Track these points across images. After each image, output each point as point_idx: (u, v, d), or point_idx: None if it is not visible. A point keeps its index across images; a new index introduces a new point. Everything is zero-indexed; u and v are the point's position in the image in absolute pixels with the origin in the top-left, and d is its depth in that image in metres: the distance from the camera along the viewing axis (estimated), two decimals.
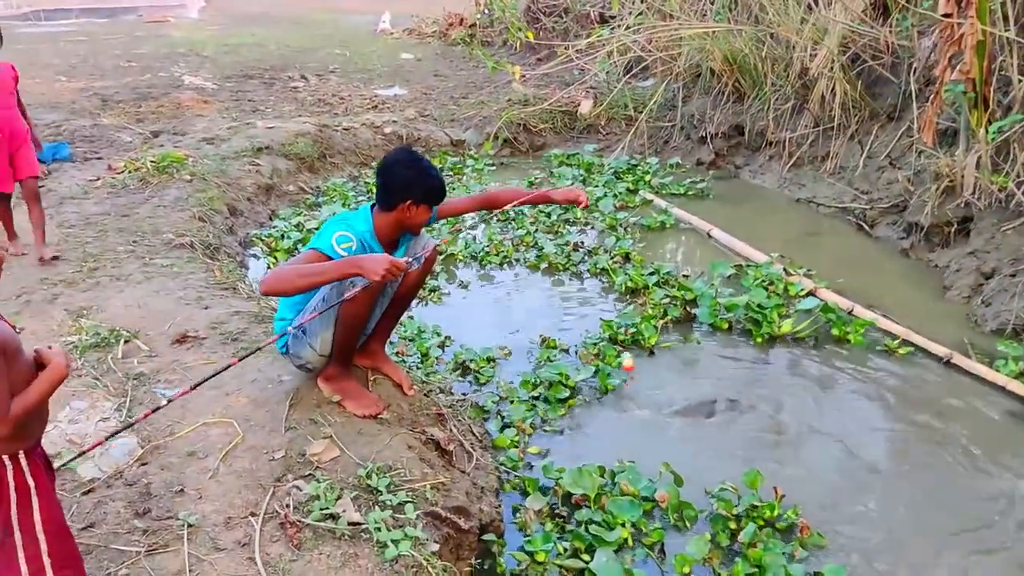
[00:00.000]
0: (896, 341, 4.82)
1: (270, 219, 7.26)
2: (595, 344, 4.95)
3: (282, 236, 6.62)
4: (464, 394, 4.29)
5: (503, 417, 4.11)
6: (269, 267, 6.23)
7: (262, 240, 6.58)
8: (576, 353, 4.90)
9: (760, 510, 3.32)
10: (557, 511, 3.41)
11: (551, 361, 4.72)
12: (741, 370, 4.69)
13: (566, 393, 4.35)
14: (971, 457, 3.84)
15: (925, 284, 5.81)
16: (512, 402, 4.25)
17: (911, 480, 3.72)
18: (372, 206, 3.38)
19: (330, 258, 3.13)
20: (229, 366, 2.86)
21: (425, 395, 3.84)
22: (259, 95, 11.48)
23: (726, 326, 5.13)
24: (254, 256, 6.43)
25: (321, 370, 3.46)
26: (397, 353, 4.65)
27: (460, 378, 4.54)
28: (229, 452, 3.10)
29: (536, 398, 4.35)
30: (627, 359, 4.62)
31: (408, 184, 3.23)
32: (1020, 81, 5.84)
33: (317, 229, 3.33)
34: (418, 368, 4.55)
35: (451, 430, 3.69)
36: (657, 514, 3.39)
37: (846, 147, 7.79)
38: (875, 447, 3.96)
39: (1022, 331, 4.88)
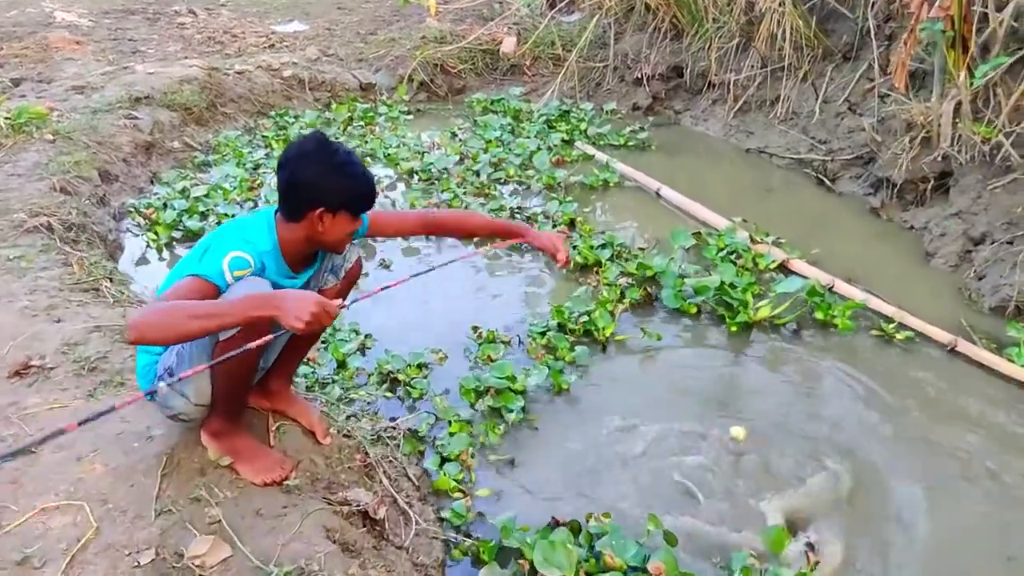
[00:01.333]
0: (892, 325, 4.17)
1: (151, 183, 6.20)
2: (543, 334, 4.19)
3: (164, 206, 5.60)
4: (394, 419, 3.46)
5: (441, 449, 3.30)
6: (149, 244, 5.23)
7: (140, 212, 5.54)
8: (523, 346, 4.13)
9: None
10: None
11: (492, 361, 3.94)
12: (715, 367, 3.98)
13: (518, 403, 3.58)
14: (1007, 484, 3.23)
15: (903, 249, 5.19)
16: (451, 423, 3.44)
17: (953, 521, 3.07)
18: (276, 211, 2.50)
19: (219, 288, 2.25)
20: (62, 431, 1.97)
21: (346, 436, 3.01)
22: (141, 33, 10.17)
23: (694, 311, 4.40)
24: (130, 232, 5.41)
25: (203, 421, 2.60)
26: (308, 361, 3.79)
27: (388, 394, 3.70)
28: (76, 555, 2.24)
29: (481, 413, 3.57)
30: (737, 431, 3.46)
31: (319, 185, 2.35)
32: (1000, 20, 5.19)
33: (201, 241, 2.42)
34: (334, 382, 3.70)
35: (381, 483, 2.88)
36: None
37: (798, 90, 7.10)
38: (893, 468, 3.29)
39: None
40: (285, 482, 2.57)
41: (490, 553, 2.73)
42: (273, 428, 2.79)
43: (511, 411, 3.55)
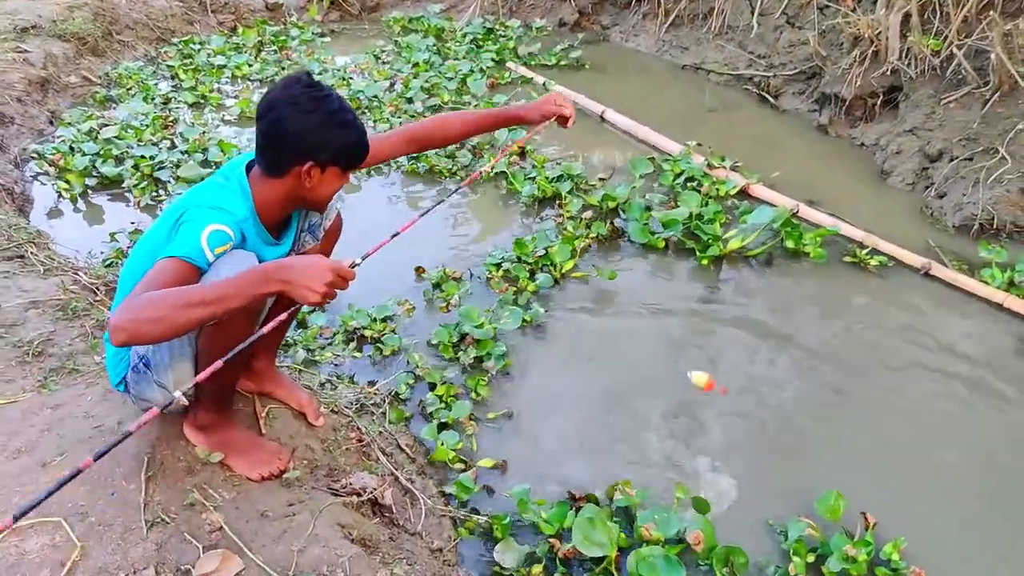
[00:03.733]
0: (864, 251, 4.10)
1: (51, 124, 5.63)
2: (498, 265, 4.01)
3: (72, 150, 5.07)
4: (373, 383, 3.22)
5: (436, 415, 3.08)
6: (61, 194, 4.74)
7: (45, 158, 5.01)
8: (480, 280, 3.96)
9: (850, 551, 2.46)
10: (552, 572, 2.47)
11: (454, 306, 3.73)
12: (691, 305, 3.84)
13: (499, 349, 3.40)
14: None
15: (858, 168, 5.13)
16: (435, 385, 3.22)
17: (943, 447, 3.04)
18: (248, 165, 2.17)
19: (200, 270, 1.94)
20: (79, 471, 1.68)
21: (334, 412, 2.76)
22: None
23: (662, 245, 4.24)
24: (38, 181, 4.89)
25: (187, 413, 2.32)
26: None
27: (356, 353, 3.44)
28: None
29: (463, 366, 3.37)
30: (699, 377, 3.02)
31: (308, 138, 2.03)
32: None
33: (166, 212, 2.08)
34: (297, 343, 3.42)
35: (379, 461, 2.65)
36: (689, 566, 2.48)
37: (732, 3, 6.90)
38: (879, 400, 3.24)
39: (991, 227, 4.28)
40: (284, 475, 2.32)
41: (504, 529, 2.55)
42: (263, 414, 2.51)
43: (492, 356, 3.38)
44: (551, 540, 2.50)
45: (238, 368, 2.28)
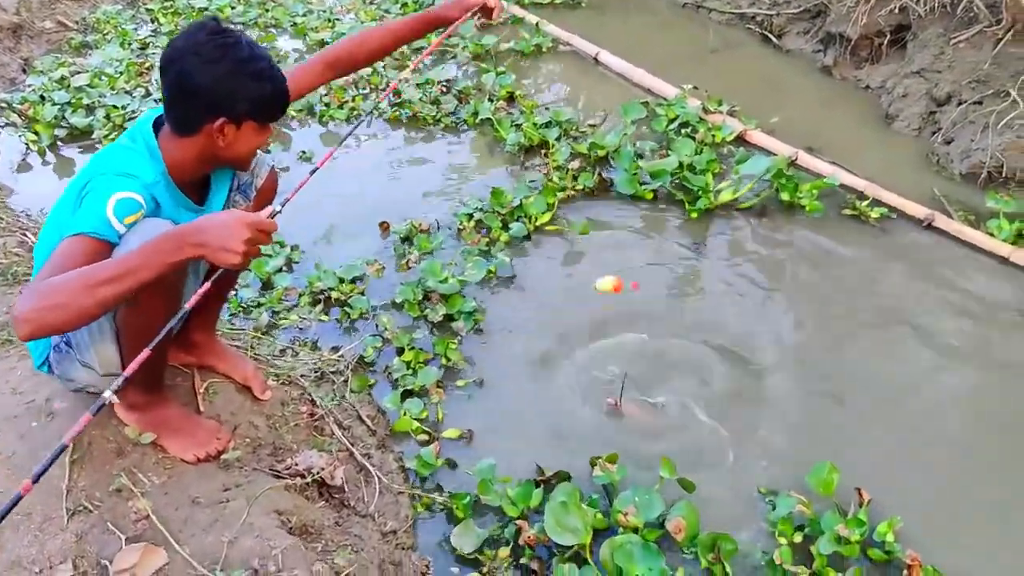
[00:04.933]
0: (865, 203, 3.88)
1: (23, 72, 5.42)
2: (470, 216, 3.84)
3: (42, 99, 4.88)
4: (336, 349, 3.06)
5: (402, 382, 2.92)
6: (29, 147, 4.56)
7: (13, 108, 4.81)
8: (450, 232, 3.79)
9: (842, 531, 2.29)
10: (519, 556, 2.33)
11: (430, 254, 3.59)
12: (677, 261, 3.65)
13: (468, 305, 3.25)
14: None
15: (862, 112, 4.87)
16: (403, 350, 3.06)
17: (942, 401, 2.88)
18: (156, 122, 1.97)
19: (111, 245, 1.76)
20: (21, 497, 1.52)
21: (287, 383, 2.60)
22: None
23: (650, 196, 4.03)
24: (5, 132, 4.71)
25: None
26: None
27: (323, 316, 3.28)
28: None
29: (430, 325, 3.21)
30: (604, 283, 2.99)
31: (217, 90, 1.83)
32: None
33: (71, 184, 1.90)
34: (260, 306, 3.26)
35: (333, 435, 2.51)
36: (670, 551, 2.32)
37: None
38: (896, 371, 3.05)
39: (999, 175, 4.04)
40: (222, 456, 2.17)
41: (465, 510, 2.41)
42: (201, 390, 2.35)
43: (462, 314, 3.24)
44: (518, 523, 2.34)
45: (165, 346, 2.12)
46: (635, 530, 2.29)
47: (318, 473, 2.24)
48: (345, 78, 3.68)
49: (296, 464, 2.25)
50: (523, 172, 4.27)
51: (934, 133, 4.43)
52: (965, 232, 3.66)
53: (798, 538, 2.33)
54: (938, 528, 2.41)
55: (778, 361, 3.07)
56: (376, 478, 2.43)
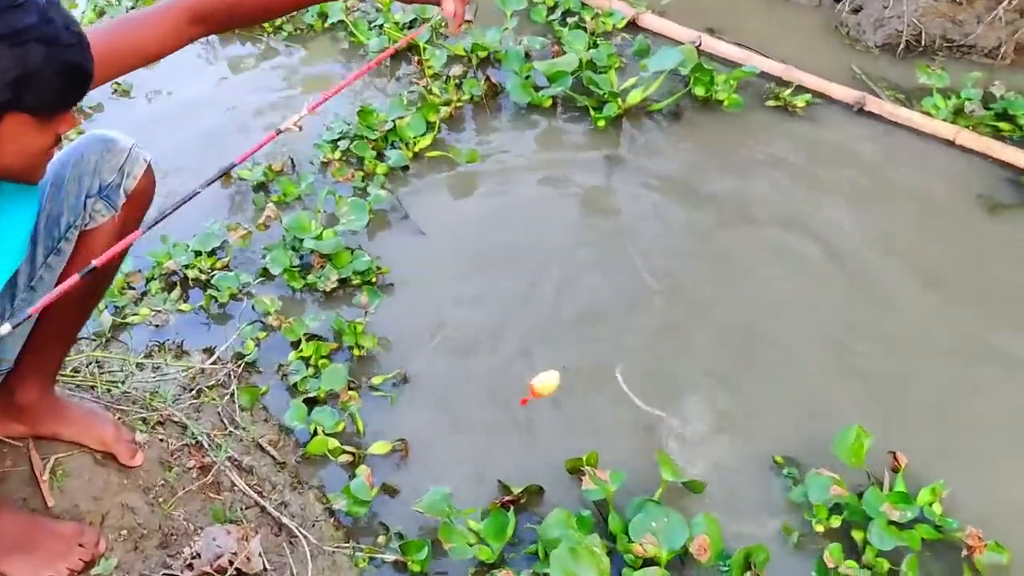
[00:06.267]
0: (787, 91, 3.45)
1: None
2: (334, 145, 3.22)
3: None
4: (210, 350, 2.41)
5: (302, 387, 2.32)
6: None
7: None
8: (319, 168, 3.18)
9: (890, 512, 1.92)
10: None
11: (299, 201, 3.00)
12: (588, 177, 3.14)
13: (363, 259, 2.68)
14: None
15: None
16: (299, 344, 2.44)
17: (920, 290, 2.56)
18: None
19: None
20: None
21: (159, 424, 1.97)
22: None
23: (549, 103, 3.46)
24: None
25: None
26: None
27: (182, 306, 2.59)
28: None
29: (318, 293, 2.63)
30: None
31: None
32: None
33: None
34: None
35: (235, 487, 1.92)
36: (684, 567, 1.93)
37: None
38: (851, 281, 2.70)
39: (918, 44, 3.69)
40: (92, 570, 1.56)
41: (423, 565, 1.89)
42: (43, 475, 1.69)
43: (358, 275, 2.67)
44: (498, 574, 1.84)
45: None
46: (649, 561, 1.84)
47: (230, 557, 1.67)
48: None
49: (197, 554, 1.66)
50: (394, 84, 3.60)
51: (838, 1, 4.02)
52: (901, 115, 3.31)
53: (835, 522, 1.97)
54: (984, 488, 2.09)
55: (717, 291, 2.67)
56: (302, 537, 1.87)
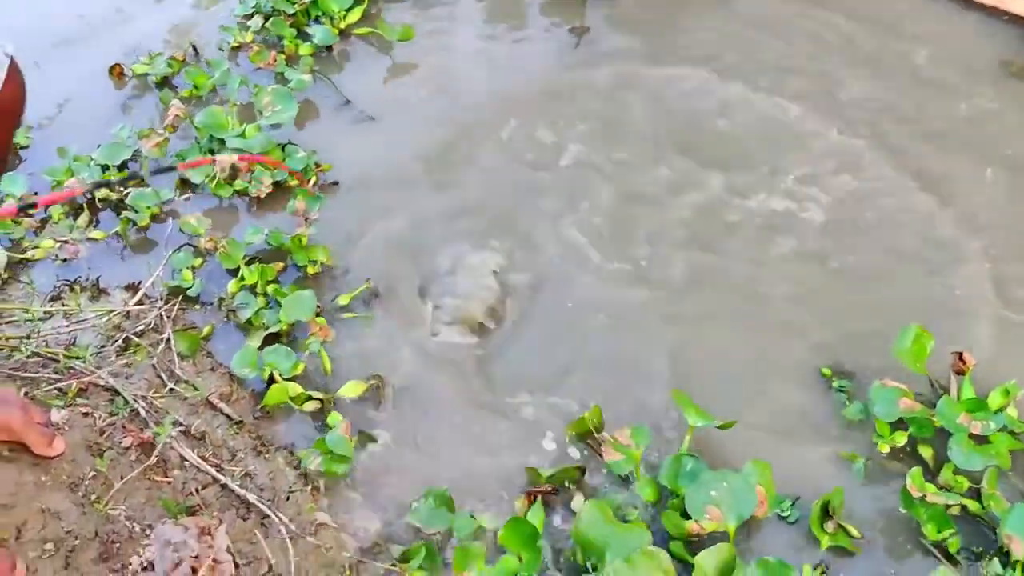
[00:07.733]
0: None
1: None
2: (246, 23, 2.81)
3: None
4: (134, 286, 1.98)
5: (245, 317, 1.92)
6: None
7: None
8: (227, 52, 2.75)
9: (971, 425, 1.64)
10: None
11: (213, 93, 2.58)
12: (555, 56, 2.75)
13: (299, 158, 2.30)
14: None
15: None
16: (238, 272, 2.03)
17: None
18: None
19: None
20: None
21: (81, 392, 1.57)
22: None
23: None
24: None
25: None
26: None
27: (94, 232, 2.14)
28: None
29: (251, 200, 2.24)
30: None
31: None
32: None
33: None
34: None
35: (185, 463, 1.55)
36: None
37: None
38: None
39: None
40: None
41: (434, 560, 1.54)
42: None
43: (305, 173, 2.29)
44: None
45: None
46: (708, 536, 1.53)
47: (193, 569, 1.32)
48: None
49: (149, 564, 1.31)
50: None
51: None
52: None
53: (900, 439, 1.69)
54: None
55: (719, 163, 2.34)
56: (275, 518, 1.52)
